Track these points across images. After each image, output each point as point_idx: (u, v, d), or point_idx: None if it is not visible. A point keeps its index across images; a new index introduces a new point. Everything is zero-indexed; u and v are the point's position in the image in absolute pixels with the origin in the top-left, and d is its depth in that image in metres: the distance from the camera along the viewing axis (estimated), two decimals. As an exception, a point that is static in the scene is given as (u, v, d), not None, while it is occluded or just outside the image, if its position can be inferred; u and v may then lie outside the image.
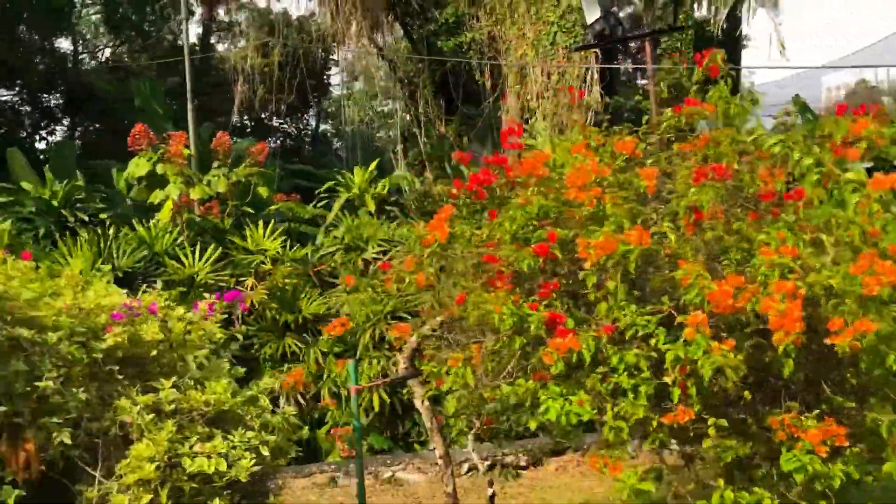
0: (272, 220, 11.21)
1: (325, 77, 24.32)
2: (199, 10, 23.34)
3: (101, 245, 9.91)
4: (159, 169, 11.12)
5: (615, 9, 15.23)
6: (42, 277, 3.95)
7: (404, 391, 9.36)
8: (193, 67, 13.55)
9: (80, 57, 25.00)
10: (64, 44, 24.06)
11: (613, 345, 3.82)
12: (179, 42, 24.16)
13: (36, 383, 3.43)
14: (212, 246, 10.36)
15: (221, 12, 23.90)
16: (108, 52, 25.76)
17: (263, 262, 10.55)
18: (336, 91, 26.44)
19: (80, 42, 25.22)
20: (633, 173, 4.39)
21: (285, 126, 25.66)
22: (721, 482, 3.75)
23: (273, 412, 4.20)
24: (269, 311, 10.01)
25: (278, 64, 15.55)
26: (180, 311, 4.11)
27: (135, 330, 3.86)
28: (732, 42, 16.59)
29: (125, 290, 4.21)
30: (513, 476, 7.87)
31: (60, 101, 22.99)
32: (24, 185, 11.67)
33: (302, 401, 9.39)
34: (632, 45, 20.43)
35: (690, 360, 3.51)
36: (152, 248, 10.35)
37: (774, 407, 3.94)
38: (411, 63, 16.68)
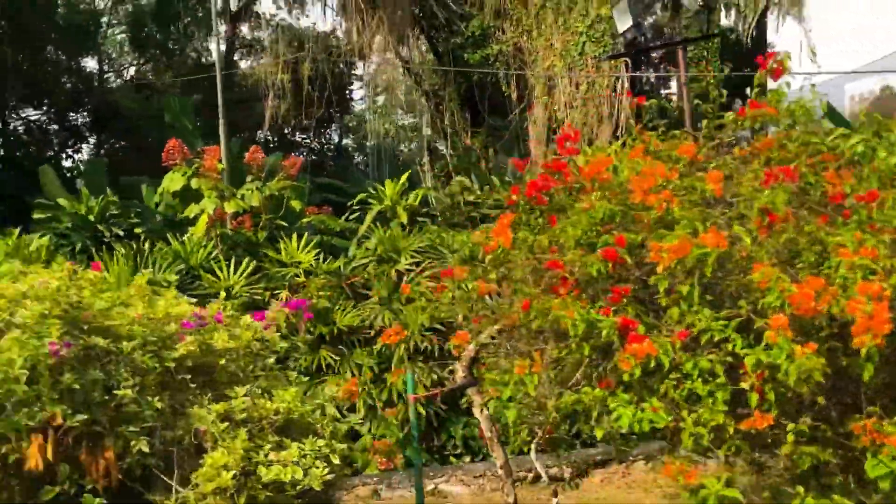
0: (305, 233, 11.24)
1: (347, 91, 24.50)
2: (223, 28, 23.63)
3: (138, 259, 9.99)
4: (194, 183, 11.19)
5: (640, 19, 15.23)
6: (112, 287, 3.96)
7: (437, 403, 9.37)
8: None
9: (106, 76, 25.37)
10: (90, 63, 24.46)
11: (685, 350, 3.78)
12: (203, 60, 24.49)
13: (114, 391, 3.43)
14: (246, 259, 10.40)
15: (244, 29, 24.18)
16: (132, 70, 26.14)
17: (297, 275, 10.54)
18: (358, 105, 26.63)
19: (106, 61, 25.62)
20: (695, 177, 4.36)
21: (308, 141, 25.84)
22: (800, 489, 3.68)
23: (337, 421, 4.19)
24: (303, 322, 10.01)
25: (308, 78, 15.70)
26: (247, 319, 4.11)
27: (204, 339, 3.86)
28: (758, 50, 16.55)
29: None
30: (573, 486, 7.79)
31: (87, 120, 23.32)
32: (61, 201, 11.79)
33: (338, 413, 9.38)
34: (653, 54, 20.45)
35: (771, 364, 3.46)
36: (188, 262, 10.40)
37: (848, 412, 3.87)
38: (437, 76, 16.76)
